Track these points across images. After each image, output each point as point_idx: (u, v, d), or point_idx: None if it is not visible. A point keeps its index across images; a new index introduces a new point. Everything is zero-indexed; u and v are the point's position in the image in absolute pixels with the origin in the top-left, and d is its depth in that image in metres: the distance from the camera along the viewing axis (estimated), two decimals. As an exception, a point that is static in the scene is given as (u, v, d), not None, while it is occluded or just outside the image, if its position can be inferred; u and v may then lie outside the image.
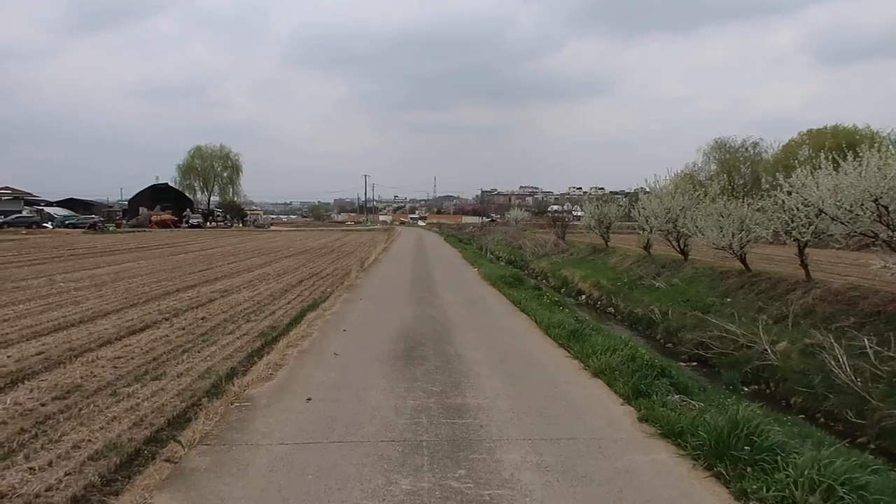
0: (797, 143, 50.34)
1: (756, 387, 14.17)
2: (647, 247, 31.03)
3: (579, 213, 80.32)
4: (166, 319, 13.24)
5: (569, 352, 10.86)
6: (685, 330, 18.47)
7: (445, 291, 19.46)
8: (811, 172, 15.83)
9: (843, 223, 14.92)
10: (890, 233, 13.90)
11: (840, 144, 18.24)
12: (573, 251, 40.12)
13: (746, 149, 59.41)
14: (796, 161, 50.46)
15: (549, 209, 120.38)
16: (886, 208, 13.41)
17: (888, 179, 12.99)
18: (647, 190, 29.07)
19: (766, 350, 14.53)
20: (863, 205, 13.88)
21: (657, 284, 24.40)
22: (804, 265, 18.74)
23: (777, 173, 49.11)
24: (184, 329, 12.22)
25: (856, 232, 14.97)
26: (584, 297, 28.32)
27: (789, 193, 18.82)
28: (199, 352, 10.34)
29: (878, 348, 12.67)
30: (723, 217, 21.18)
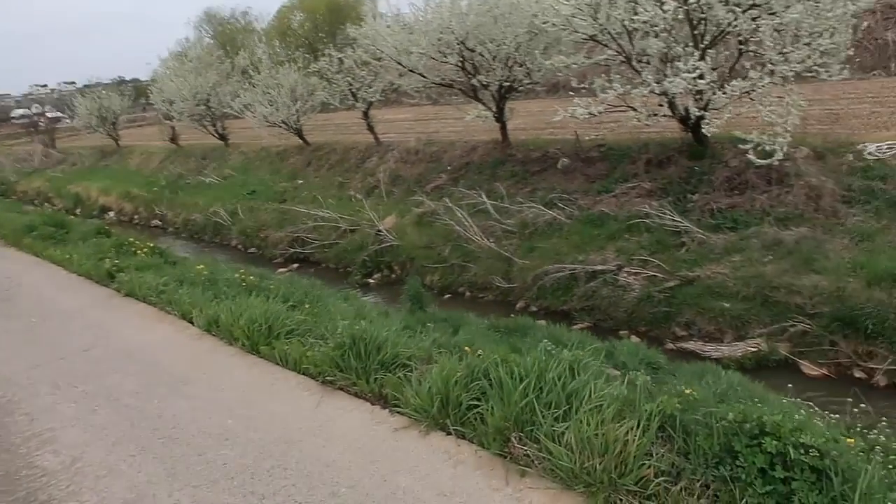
0: (289, 9, 49.45)
1: (380, 274, 12.34)
2: (174, 138, 26.15)
3: (57, 115, 67.26)
4: None
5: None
6: (268, 228, 15.47)
7: None
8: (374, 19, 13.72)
9: (421, 74, 13.46)
10: (469, 79, 12.96)
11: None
12: (74, 160, 32.07)
13: (237, 19, 56.26)
14: (290, 27, 49.71)
15: (13, 115, 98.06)
16: (472, 51, 12.26)
17: (474, 16, 11.67)
18: (168, 72, 23.69)
19: (381, 231, 12.65)
20: (447, 49, 12.47)
21: (207, 180, 20.43)
22: (371, 128, 17.32)
23: (274, 40, 47.27)
24: None
25: (434, 83, 13.74)
26: (112, 213, 22.48)
27: (341, 50, 16.82)
28: None
29: (495, 201, 11.92)
30: (271, 90, 18.07)
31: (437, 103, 26.14)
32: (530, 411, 3.16)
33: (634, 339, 8.22)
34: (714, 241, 8.77)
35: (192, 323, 5.77)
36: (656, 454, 2.84)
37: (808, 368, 6.91)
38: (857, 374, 6.64)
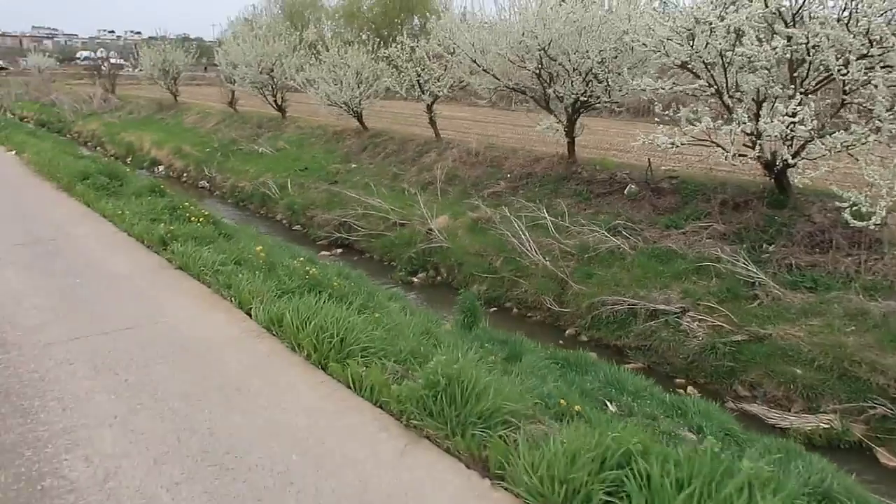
0: (360, -9, 49.51)
1: (425, 274, 11.98)
2: (232, 102, 26.11)
3: (120, 62, 68.45)
4: None
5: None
6: (316, 208, 15.21)
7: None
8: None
9: (496, 77, 13.05)
10: (544, 88, 12.51)
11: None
12: (131, 108, 32.38)
13: (307, -7, 56.57)
14: (360, 9, 49.45)
15: (78, 56, 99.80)
16: (553, 60, 11.80)
17: (560, 24, 11.21)
18: (236, 36, 23.68)
19: (432, 230, 12.28)
20: (527, 54, 12.04)
21: (260, 150, 20.29)
22: (432, 122, 16.96)
23: (341, 20, 46.68)
24: None
25: (506, 87, 13.32)
26: (162, 168, 22.52)
27: (413, 39, 16.51)
28: None
29: (554, 218, 11.47)
30: (337, 68, 17.82)
31: (495, 107, 25.62)
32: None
33: (692, 390, 7.75)
34: (790, 300, 8.21)
35: (249, 315, 5.05)
36: None
37: (885, 458, 6.36)
38: (943, 474, 6.08)
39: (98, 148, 26.89)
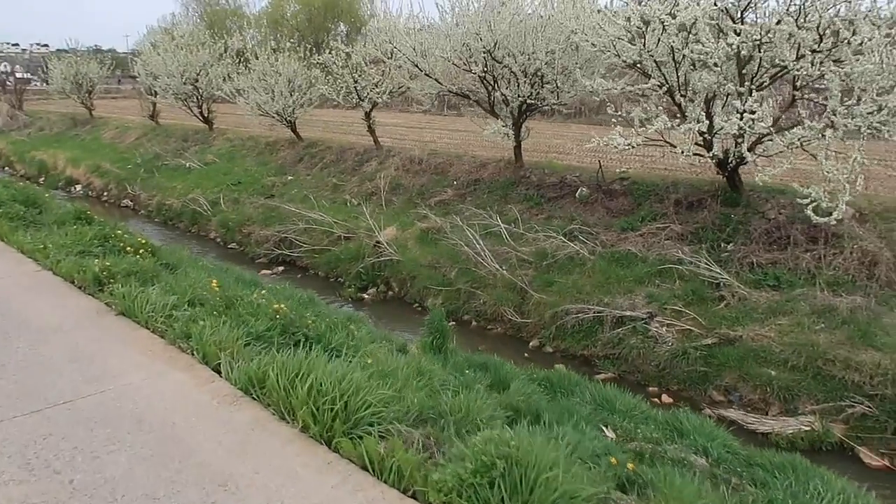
0: (283, -2, 48.27)
1: (375, 289, 11.39)
2: (153, 115, 24.72)
3: (27, 76, 65.01)
4: None
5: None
6: (253, 223, 14.36)
7: None
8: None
9: (438, 81, 12.61)
10: (490, 92, 12.17)
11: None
12: (42, 125, 30.30)
13: (227, 1, 54.82)
14: (283, 16, 48.22)
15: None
16: (499, 62, 11.45)
17: (506, 26, 10.88)
18: (154, 45, 22.37)
19: (380, 242, 11.70)
20: (471, 58, 11.66)
21: (188, 164, 19.15)
22: (371, 130, 16.36)
23: (265, 27, 45.49)
24: None
25: (451, 91, 12.91)
26: (79, 187, 21.03)
27: (348, 45, 15.94)
28: None
29: (507, 225, 11.11)
30: (268, 76, 17.00)
31: (428, 112, 25.24)
32: None
33: (666, 398, 7.51)
34: (756, 299, 8.09)
35: (218, 372, 4.06)
36: None
37: (868, 457, 6.23)
38: (930, 473, 5.98)
39: (6, 168, 25.01)
